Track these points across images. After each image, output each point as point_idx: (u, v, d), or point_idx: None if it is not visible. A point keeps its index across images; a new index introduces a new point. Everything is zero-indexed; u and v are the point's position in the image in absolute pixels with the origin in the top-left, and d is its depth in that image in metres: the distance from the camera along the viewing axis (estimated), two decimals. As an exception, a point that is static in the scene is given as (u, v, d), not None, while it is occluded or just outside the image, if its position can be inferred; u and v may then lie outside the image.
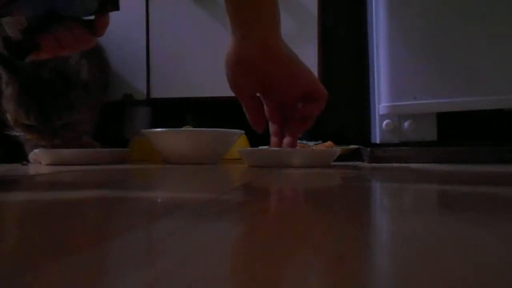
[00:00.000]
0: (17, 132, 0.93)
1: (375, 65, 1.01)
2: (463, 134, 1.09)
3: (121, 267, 0.18)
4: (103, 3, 0.57)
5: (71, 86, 0.92)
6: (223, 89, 1.22)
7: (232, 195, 0.42)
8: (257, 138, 1.08)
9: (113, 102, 1.19)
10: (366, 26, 1.10)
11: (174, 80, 1.23)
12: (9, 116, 0.90)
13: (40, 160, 0.97)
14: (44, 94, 0.87)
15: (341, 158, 0.94)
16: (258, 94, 0.74)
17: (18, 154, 1.06)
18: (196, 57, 1.22)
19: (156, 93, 1.24)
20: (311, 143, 0.86)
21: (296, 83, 0.68)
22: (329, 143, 0.92)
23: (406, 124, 0.99)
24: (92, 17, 0.59)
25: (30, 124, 0.89)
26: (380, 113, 0.99)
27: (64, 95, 0.90)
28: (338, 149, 0.87)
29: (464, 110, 0.94)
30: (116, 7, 0.58)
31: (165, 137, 0.97)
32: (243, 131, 1.01)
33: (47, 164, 0.95)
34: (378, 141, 1.01)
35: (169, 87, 1.23)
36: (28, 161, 1.02)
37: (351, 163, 0.98)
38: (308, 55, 1.15)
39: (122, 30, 1.21)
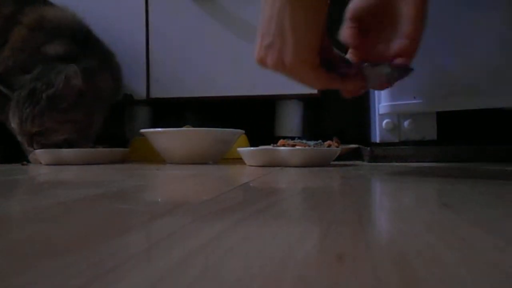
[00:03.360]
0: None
1: (375, 64, 1.00)
2: (463, 133, 1.09)
3: (121, 267, 0.18)
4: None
5: (58, 96, 0.96)
6: (223, 89, 1.22)
7: (232, 195, 0.42)
8: (257, 138, 1.08)
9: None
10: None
11: (174, 80, 1.23)
12: (11, 122, 1.00)
13: (40, 160, 0.98)
14: (29, 102, 0.96)
15: (341, 157, 0.94)
16: None
17: (19, 154, 1.06)
18: (196, 57, 1.22)
19: (156, 93, 1.24)
20: (311, 143, 0.86)
21: None
22: (328, 142, 0.92)
23: (406, 123, 0.99)
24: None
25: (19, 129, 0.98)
26: (380, 112, 0.99)
27: (44, 105, 0.96)
28: (338, 149, 0.87)
29: (464, 109, 0.94)
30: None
31: (165, 137, 0.97)
32: (243, 131, 1.01)
33: (47, 164, 0.96)
34: (378, 140, 1.01)
35: (169, 87, 1.23)
36: (28, 161, 1.03)
37: (351, 162, 0.98)
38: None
39: (122, 30, 1.22)
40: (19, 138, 0.99)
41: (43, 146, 0.98)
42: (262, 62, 0.58)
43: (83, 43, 1.06)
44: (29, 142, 0.98)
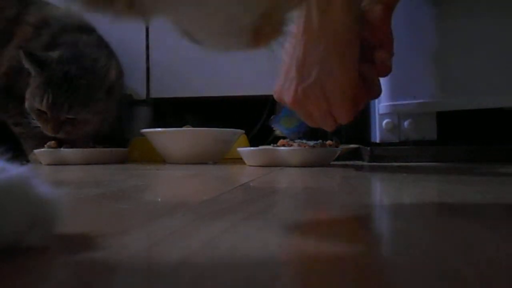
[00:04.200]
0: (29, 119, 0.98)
1: (375, 64, 1.00)
2: (463, 133, 1.09)
3: (121, 266, 0.18)
4: None
5: (95, 86, 0.95)
6: (223, 89, 1.22)
7: (232, 195, 0.42)
8: (257, 138, 1.08)
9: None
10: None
11: (174, 80, 1.23)
12: (26, 103, 0.96)
13: (40, 160, 0.98)
14: (64, 87, 0.93)
15: (341, 157, 0.94)
16: None
17: (19, 154, 1.06)
18: (196, 57, 1.22)
19: (156, 93, 1.24)
20: (311, 143, 0.86)
21: None
22: (329, 142, 0.92)
23: (406, 123, 0.99)
24: None
25: (42, 111, 0.94)
26: (380, 112, 0.99)
27: (83, 93, 0.94)
28: (338, 149, 0.87)
29: (463, 109, 0.94)
30: None
31: (165, 137, 0.97)
32: (243, 131, 1.01)
33: (47, 164, 0.95)
34: (378, 140, 1.01)
35: (169, 87, 1.23)
36: (28, 161, 1.03)
37: (351, 162, 0.98)
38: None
39: (122, 30, 1.21)
40: (41, 122, 0.95)
41: (70, 136, 0.96)
42: (297, 103, 0.63)
43: (91, 36, 1.07)
44: (55, 127, 0.95)
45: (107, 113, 1.01)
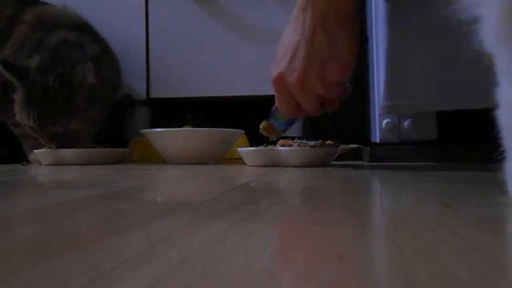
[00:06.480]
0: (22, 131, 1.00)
1: (375, 64, 1.01)
2: (463, 133, 1.09)
3: (121, 266, 0.18)
4: None
5: (74, 94, 0.95)
6: (223, 89, 1.22)
7: (232, 195, 0.42)
8: (257, 138, 1.08)
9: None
10: (366, 26, 1.10)
11: (174, 80, 1.23)
12: (17, 117, 0.97)
13: (40, 160, 0.98)
14: (45, 101, 0.93)
15: (341, 157, 0.94)
16: None
17: (19, 155, 1.06)
18: (196, 57, 1.22)
19: (156, 93, 1.24)
20: (311, 143, 0.86)
21: None
22: (329, 142, 0.92)
23: (405, 123, 0.99)
24: None
25: (31, 126, 0.95)
26: (380, 112, 0.99)
27: (64, 103, 0.94)
28: (338, 149, 0.87)
29: (464, 109, 0.94)
30: None
31: (165, 137, 0.97)
32: (243, 131, 1.01)
33: (47, 164, 0.95)
34: (378, 140, 1.01)
35: (169, 87, 1.23)
36: (28, 161, 1.03)
37: (351, 162, 0.98)
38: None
39: (122, 30, 1.22)
40: (35, 134, 0.96)
41: (65, 142, 0.97)
42: (301, 83, 0.65)
43: (83, 31, 1.06)
44: (49, 139, 0.95)
45: (96, 117, 1.01)
